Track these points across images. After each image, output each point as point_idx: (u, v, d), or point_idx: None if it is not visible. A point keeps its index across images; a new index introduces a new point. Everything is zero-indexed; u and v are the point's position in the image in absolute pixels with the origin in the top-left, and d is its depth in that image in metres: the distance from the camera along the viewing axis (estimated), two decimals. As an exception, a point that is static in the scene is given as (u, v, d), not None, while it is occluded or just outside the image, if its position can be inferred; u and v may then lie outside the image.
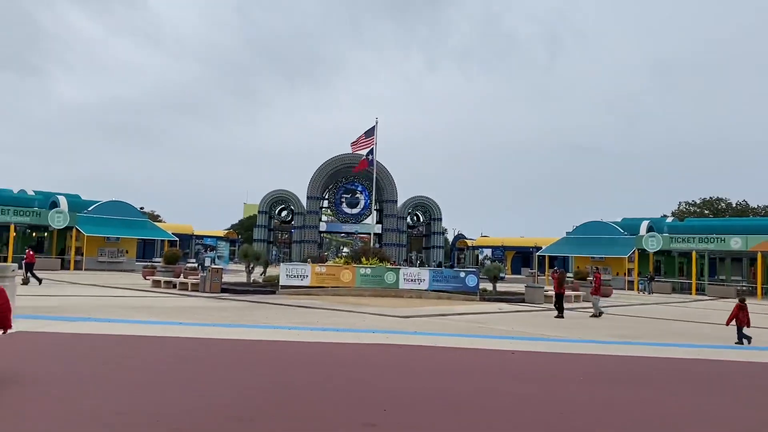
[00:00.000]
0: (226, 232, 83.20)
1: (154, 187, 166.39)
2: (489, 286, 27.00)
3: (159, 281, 27.09)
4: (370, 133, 34.46)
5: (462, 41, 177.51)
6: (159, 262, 37.25)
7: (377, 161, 72.20)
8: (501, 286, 28.80)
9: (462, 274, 25.14)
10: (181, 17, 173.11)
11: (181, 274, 31.00)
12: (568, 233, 48.78)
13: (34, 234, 46.34)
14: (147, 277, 30.82)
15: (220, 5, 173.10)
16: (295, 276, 24.46)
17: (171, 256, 33.87)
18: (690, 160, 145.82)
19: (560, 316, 18.98)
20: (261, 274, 28.46)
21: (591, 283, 25.49)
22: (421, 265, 65.35)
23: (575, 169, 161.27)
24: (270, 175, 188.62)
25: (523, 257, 74.38)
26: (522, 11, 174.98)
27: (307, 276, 24.53)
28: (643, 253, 43.83)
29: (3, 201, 39.62)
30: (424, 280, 24.82)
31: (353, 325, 13.95)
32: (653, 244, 42.28)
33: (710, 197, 77.01)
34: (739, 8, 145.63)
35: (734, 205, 73.58)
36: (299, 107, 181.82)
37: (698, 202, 77.48)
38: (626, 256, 43.16)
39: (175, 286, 26.32)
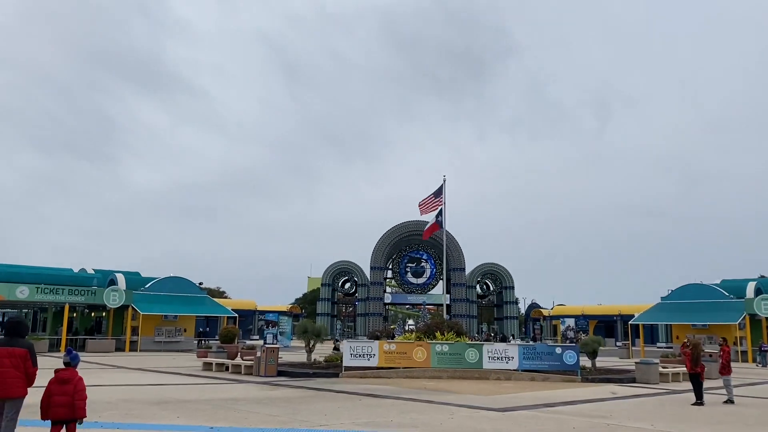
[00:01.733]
0: (290, 306, 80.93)
1: (220, 265, 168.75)
2: (586, 362, 22.86)
3: (210, 363, 24.24)
4: (438, 192, 31.49)
5: (509, 112, 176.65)
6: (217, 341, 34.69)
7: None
8: (597, 361, 24.50)
9: (558, 350, 21.12)
10: (239, 104, 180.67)
11: (238, 355, 28.20)
12: (663, 298, 43.54)
13: (93, 314, 45.03)
14: (200, 358, 28.14)
15: (275, 91, 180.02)
16: (360, 355, 21.09)
17: (227, 334, 31.28)
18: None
19: (699, 402, 14.79)
20: (310, 350, 25.21)
21: (718, 358, 20.99)
22: (497, 338, 60.51)
23: (646, 234, 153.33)
24: (332, 248, 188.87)
25: (606, 327, 68.34)
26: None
27: (374, 355, 21.11)
28: (752, 320, 38.24)
29: (59, 280, 38.35)
30: (512, 357, 20.94)
31: (441, 426, 10.45)
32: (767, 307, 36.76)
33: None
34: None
35: None
36: (354, 181, 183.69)
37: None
38: (735, 323, 37.59)
39: (227, 369, 23.39)
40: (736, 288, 41.02)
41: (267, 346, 22.07)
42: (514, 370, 20.90)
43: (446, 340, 22.37)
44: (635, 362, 22.11)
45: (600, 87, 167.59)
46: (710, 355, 24.23)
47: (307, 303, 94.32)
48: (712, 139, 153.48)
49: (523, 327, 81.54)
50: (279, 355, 29.03)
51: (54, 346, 35.99)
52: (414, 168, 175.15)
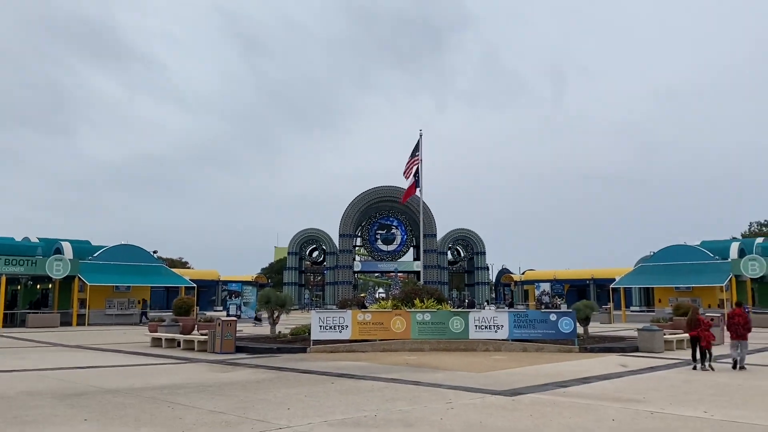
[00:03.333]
0: (255, 276, 77.81)
1: (183, 237, 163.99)
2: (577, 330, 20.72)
3: (159, 339, 21.35)
4: (415, 150, 28.75)
5: (467, 83, 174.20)
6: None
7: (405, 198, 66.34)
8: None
9: (553, 317, 18.78)
10: (195, 74, 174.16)
11: (195, 329, 25.32)
12: (644, 260, 41.89)
13: (38, 286, 41.36)
14: (152, 333, 25.17)
15: (232, 61, 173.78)
16: (331, 327, 18.45)
17: (181, 306, 28.19)
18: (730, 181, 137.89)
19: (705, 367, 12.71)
20: (274, 322, 22.46)
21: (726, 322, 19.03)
22: (471, 305, 58.61)
23: (610, 200, 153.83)
24: (299, 219, 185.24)
25: (578, 291, 67.08)
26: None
27: (347, 326, 18.48)
28: (737, 281, 36.83)
29: (-4, 250, 34.66)
30: (502, 326, 18.55)
31: (442, 423, 7.89)
32: (755, 269, 35.28)
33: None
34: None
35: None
36: (316, 153, 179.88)
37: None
38: (722, 285, 36.09)
39: (179, 345, 20.57)
40: (718, 249, 39.52)
41: (222, 319, 19.25)
42: (503, 340, 18.55)
43: (426, 307, 19.90)
44: (637, 329, 19.98)
45: (556, 57, 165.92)
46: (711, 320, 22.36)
47: (273, 272, 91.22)
48: (666, 108, 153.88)
49: (492, 293, 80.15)
50: (239, 329, 26.32)
51: (-10, 322, 32.57)
52: (376, 139, 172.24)
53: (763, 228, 69.82)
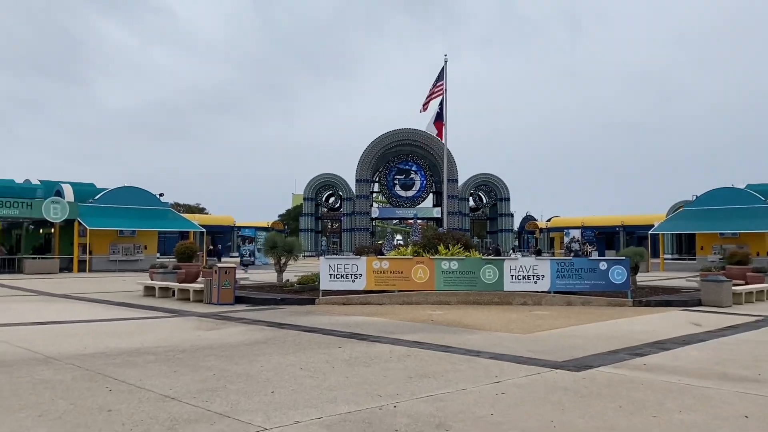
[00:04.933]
0: (272, 223, 75.74)
1: (199, 184, 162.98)
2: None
3: (153, 288, 19.10)
4: (439, 78, 25.57)
5: (480, 28, 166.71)
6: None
7: (432, 135, 63.14)
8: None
9: (603, 266, 16.05)
10: (205, 21, 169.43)
11: (199, 276, 23.10)
12: (687, 205, 38.68)
13: (41, 231, 39.48)
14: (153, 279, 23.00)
15: (243, 9, 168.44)
16: (342, 276, 15.95)
17: (183, 251, 25.84)
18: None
19: None
20: (281, 270, 20.08)
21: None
22: (496, 252, 55.87)
23: (630, 147, 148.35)
24: (316, 165, 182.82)
25: (606, 238, 64.11)
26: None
27: (360, 275, 15.97)
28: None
29: (-9, 192, 32.54)
30: (543, 276, 15.90)
31: (491, 415, 5.33)
32: (810, 213, 32.09)
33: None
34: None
35: None
36: (329, 100, 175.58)
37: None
38: (772, 231, 33.00)
39: (173, 294, 18.31)
40: (766, 192, 36.22)
41: (219, 265, 16.83)
42: (545, 292, 15.94)
43: (452, 255, 17.28)
44: (701, 280, 17.25)
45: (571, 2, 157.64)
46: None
47: (290, 219, 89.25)
48: (683, 55, 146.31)
49: (515, 240, 77.49)
50: (245, 276, 24.01)
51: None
52: (391, 86, 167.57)
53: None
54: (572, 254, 47.05)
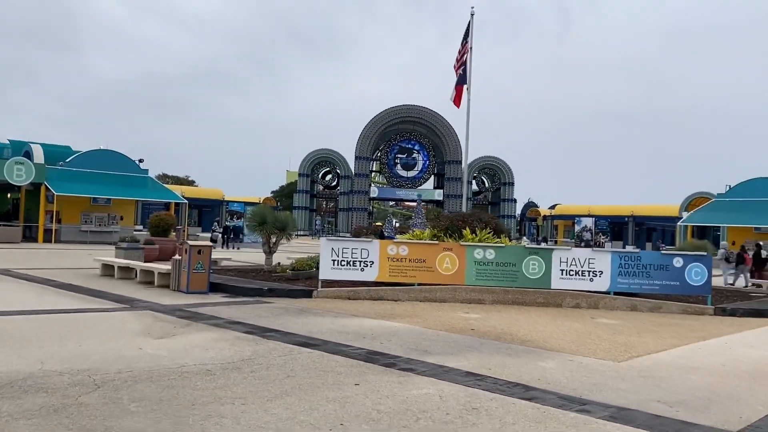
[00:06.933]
0: (264, 199, 72.12)
1: (191, 157, 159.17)
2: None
3: (111, 267, 15.62)
4: (465, 36, 22.01)
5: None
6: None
7: (437, 113, 58.24)
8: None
9: (678, 263, 12.67)
10: None
11: (176, 252, 19.63)
12: (719, 195, 35.38)
13: (9, 196, 35.79)
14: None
15: None
16: (348, 263, 12.50)
17: (158, 224, 22.44)
18: None
19: None
20: (270, 251, 16.56)
21: None
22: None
23: (624, 137, 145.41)
24: (310, 142, 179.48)
25: (614, 229, 60.84)
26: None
27: (372, 263, 12.52)
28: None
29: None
30: (601, 272, 12.53)
31: None
32: None
33: None
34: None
35: None
36: (320, 79, 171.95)
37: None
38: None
39: (136, 275, 14.83)
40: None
41: (191, 243, 13.34)
42: (603, 293, 12.60)
43: (480, 240, 13.87)
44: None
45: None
46: None
47: (283, 197, 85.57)
48: (673, 45, 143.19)
49: (517, 227, 74.28)
50: (226, 257, 20.62)
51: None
52: (385, 68, 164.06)
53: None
54: (583, 244, 43.81)
